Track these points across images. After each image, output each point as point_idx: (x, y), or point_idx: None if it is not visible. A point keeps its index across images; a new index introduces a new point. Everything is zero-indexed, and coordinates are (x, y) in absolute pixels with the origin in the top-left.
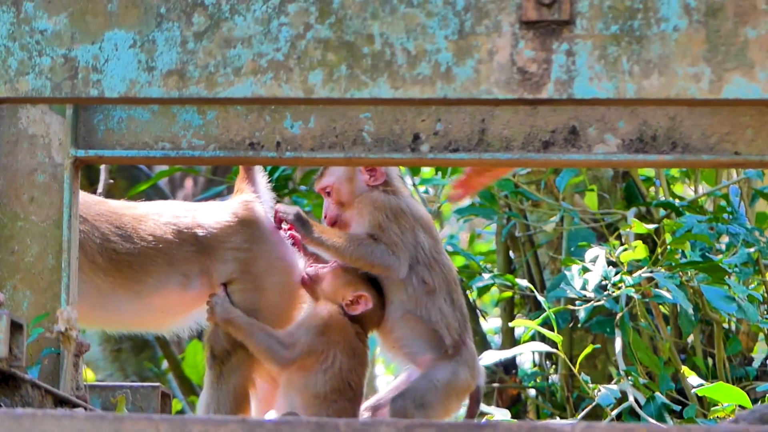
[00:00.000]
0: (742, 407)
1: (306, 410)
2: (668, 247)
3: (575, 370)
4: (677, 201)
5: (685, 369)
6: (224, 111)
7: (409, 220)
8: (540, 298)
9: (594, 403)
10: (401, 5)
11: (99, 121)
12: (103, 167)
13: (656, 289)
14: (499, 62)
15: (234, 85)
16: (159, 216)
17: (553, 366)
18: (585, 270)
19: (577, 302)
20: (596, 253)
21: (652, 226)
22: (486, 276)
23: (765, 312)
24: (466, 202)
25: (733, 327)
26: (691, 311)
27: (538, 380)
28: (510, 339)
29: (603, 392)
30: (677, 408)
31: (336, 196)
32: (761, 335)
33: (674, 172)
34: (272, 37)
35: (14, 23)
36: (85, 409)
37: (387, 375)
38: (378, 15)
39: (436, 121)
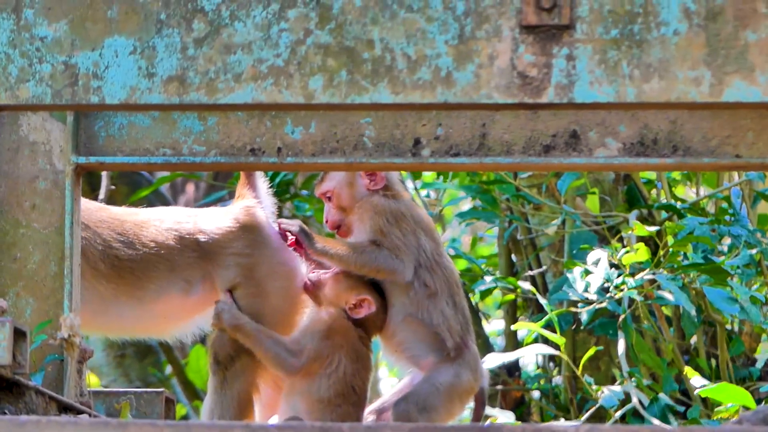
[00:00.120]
0: (745, 408)
1: (310, 415)
2: (670, 249)
3: (578, 372)
4: (679, 203)
5: (688, 370)
6: (225, 117)
7: (410, 224)
8: (542, 300)
9: (598, 405)
10: (401, 10)
11: (100, 127)
12: (104, 173)
13: (659, 291)
14: (500, 67)
15: (234, 91)
16: (161, 222)
17: (557, 368)
18: (587, 272)
19: (579, 305)
20: (598, 255)
21: (654, 229)
22: (488, 279)
23: (767, 313)
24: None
25: (736, 328)
26: (693, 313)
27: (541, 382)
28: (513, 341)
29: (606, 394)
30: (681, 409)
31: (337, 201)
32: (764, 336)
33: (676, 174)
34: (272, 42)
35: (14, 30)
36: (89, 415)
37: (390, 378)
38: (378, 20)
39: (437, 126)
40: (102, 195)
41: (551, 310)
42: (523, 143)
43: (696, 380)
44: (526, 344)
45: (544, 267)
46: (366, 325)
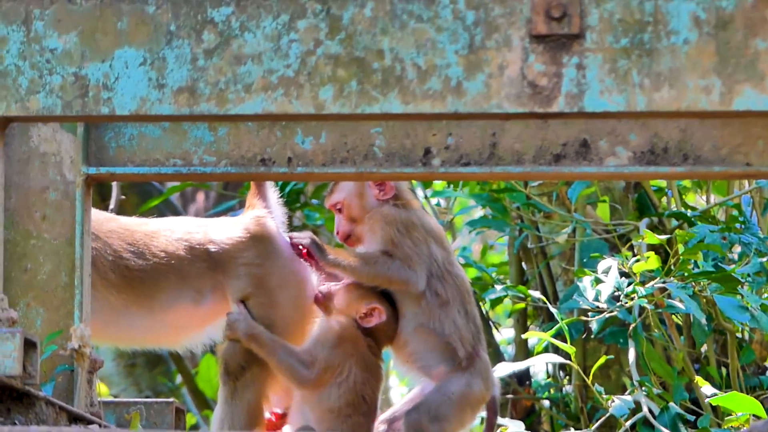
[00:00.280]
0: (756, 417)
1: (320, 425)
2: (681, 257)
3: (589, 381)
4: (689, 211)
5: (698, 379)
6: (235, 127)
7: (421, 233)
8: (553, 309)
9: (608, 414)
10: (411, 20)
11: (110, 138)
12: (114, 183)
13: (669, 300)
14: (510, 76)
15: (245, 102)
16: (171, 232)
17: (567, 377)
18: (598, 281)
19: (590, 313)
20: (609, 264)
21: (664, 237)
22: (498, 288)
23: None
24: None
25: (747, 336)
26: (704, 321)
27: (551, 391)
28: (523, 350)
29: (617, 403)
30: (691, 418)
31: (347, 212)
32: None
33: (686, 182)
34: (282, 53)
35: (24, 42)
36: (100, 425)
37: (401, 387)
38: (388, 30)
39: (447, 136)
40: (112, 205)
41: (562, 319)
42: (533, 152)
43: (706, 389)
44: (537, 353)
45: (555, 275)
46: (377, 335)
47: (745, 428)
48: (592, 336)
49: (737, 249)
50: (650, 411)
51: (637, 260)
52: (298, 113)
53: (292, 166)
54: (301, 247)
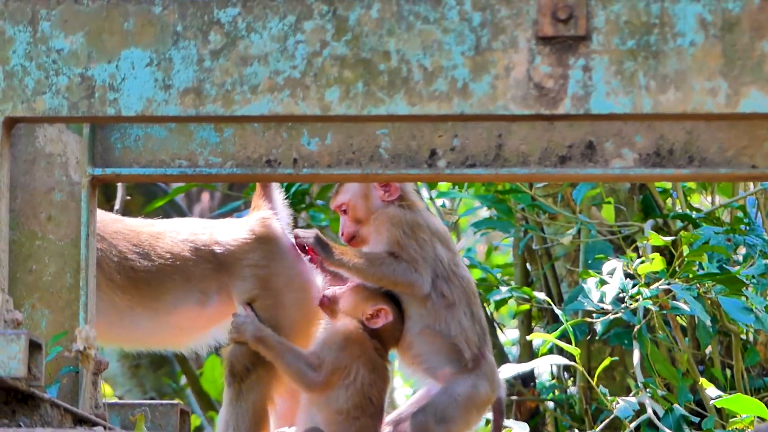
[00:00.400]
0: (760, 418)
1: (328, 427)
2: (685, 259)
3: (593, 383)
4: (694, 213)
5: (703, 380)
6: (241, 128)
7: (427, 234)
8: (557, 310)
9: (612, 416)
10: (417, 22)
11: (116, 139)
12: (120, 184)
13: (674, 301)
14: (516, 78)
15: (251, 103)
16: (176, 233)
17: (571, 378)
18: (602, 282)
19: (594, 315)
20: (613, 265)
21: (669, 238)
22: (503, 289)
23: None
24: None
25: (751, 338)
26: (708, 323)
27: (556, 393)
28: (528, 351)
29: (621, 404)
30: (696, 420)
31: (352, 214)
32: None
33: (691, 184)
34: (289, 54)
35: (31, 43)
36: (105, 427)
37: (405, 388)
38: (394, 32)
39: (453, 137)
40: (117, 205)
41: (566, 320)
42: (539, 154)
43: (711, 391)
44: (541, 354)
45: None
46: (383, 337)
47: (749, 430)
48: (597, 337)
49: (742, 251)
50: (655, 412)
51: (642, 262)
52: (304, 114)
53: (298, 167)
54: (305, 245)
